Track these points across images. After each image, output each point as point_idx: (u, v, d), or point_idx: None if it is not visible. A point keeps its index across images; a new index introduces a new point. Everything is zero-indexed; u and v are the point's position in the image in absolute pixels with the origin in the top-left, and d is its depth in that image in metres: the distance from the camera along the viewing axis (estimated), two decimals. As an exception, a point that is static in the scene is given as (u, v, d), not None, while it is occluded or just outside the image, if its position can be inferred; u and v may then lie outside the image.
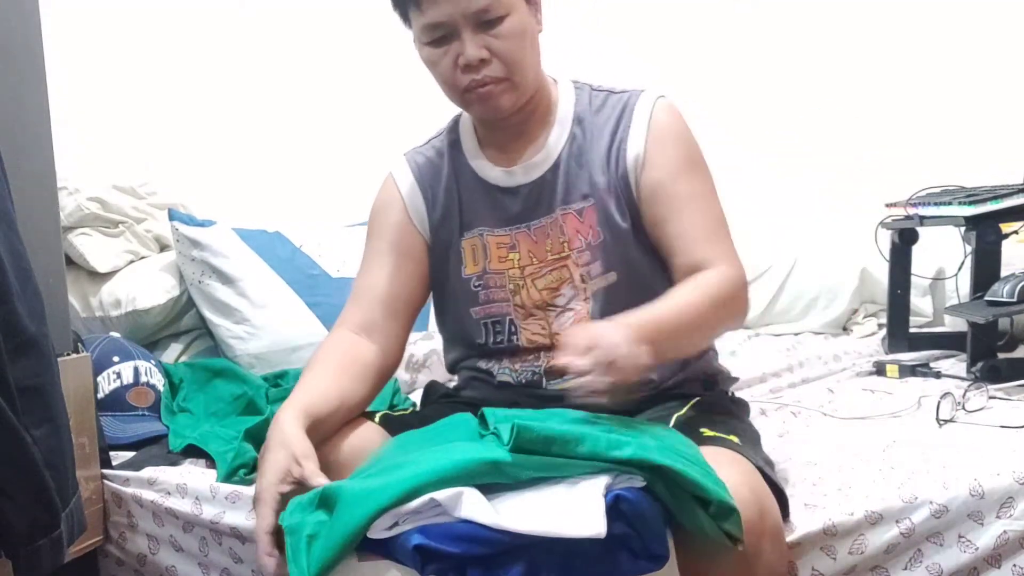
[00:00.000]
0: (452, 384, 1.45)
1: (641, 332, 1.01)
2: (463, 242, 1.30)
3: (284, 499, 1.02)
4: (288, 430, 1.08)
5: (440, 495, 0.88)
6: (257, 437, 1.52)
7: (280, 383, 1.84)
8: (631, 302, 1.18)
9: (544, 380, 1.27)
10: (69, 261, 1.96)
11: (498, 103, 1.21)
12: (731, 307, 1.19)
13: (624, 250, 1.25)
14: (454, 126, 1.35)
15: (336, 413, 1.17)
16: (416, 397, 1.65)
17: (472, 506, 0.87)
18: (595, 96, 1.29)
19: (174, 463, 1.52)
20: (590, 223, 1.25)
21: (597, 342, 0.98)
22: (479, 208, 1.29)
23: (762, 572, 1.00)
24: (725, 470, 1.03)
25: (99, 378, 1.64)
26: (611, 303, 1.23)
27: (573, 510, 0.88)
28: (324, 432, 1.14)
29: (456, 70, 1.18)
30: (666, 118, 1.24)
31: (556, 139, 1.27)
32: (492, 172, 1.29)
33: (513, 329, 1.28)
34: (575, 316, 1.26)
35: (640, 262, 1.26)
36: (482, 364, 1.33)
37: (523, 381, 1.28)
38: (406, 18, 1.21)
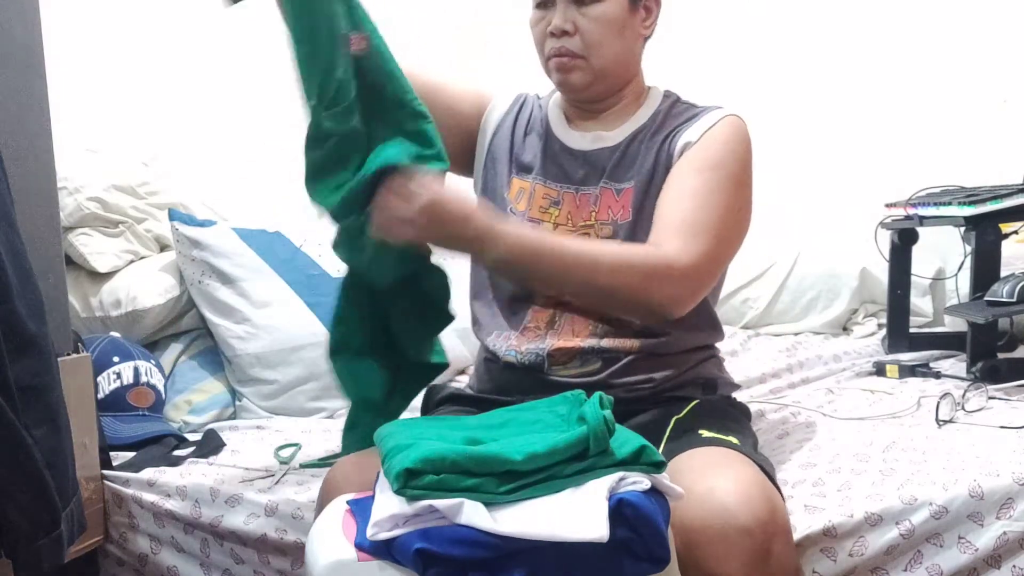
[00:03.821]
0: (454, 384, 1.46)
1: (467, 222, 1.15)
2: (513, 178, 1.36)
3: None
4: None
5: (440, 503, 0.88)
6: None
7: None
8: None
9: (546, 364, 1.28)
10: (69, 261, 1.95)
11: (569, 77, 1.29)
12: (638, 280, 1.17)
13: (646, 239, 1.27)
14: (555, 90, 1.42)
15: None
16: (416, 399, 1.65)
17: (473, 515, 0.87)
18: (679, 105, 1.35)
19: (174, 464, 1.52)
20: (623, 203, 1.29)
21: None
22: (542, 159, 1.35)
23: (774, 571, 1.01)
24: (730, 470, 1.03)
25: (99, 378, 1.64)
26: None
27: (576, 514, 0.88)
28: None
29: (545, 36, 1.28)
30: (722, 127, 1.28)
31: (631, 124, 1.33)
32: (566, 132, 1.36)
33: None
34: None
35: None
36: (490, 342, 1.35)
37: (526, 363, 1.29)
38: None
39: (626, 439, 0.96)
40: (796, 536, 1.12)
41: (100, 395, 1.63)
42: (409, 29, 2.47)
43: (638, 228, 1.27)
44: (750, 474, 1.04)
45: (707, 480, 1.01)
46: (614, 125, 1.33)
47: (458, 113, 1.39)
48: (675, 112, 1.33)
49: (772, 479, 1.10)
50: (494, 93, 1.43)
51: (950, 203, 1.77)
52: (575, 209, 1.31)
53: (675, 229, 1.20)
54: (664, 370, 1.28)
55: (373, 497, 0.96)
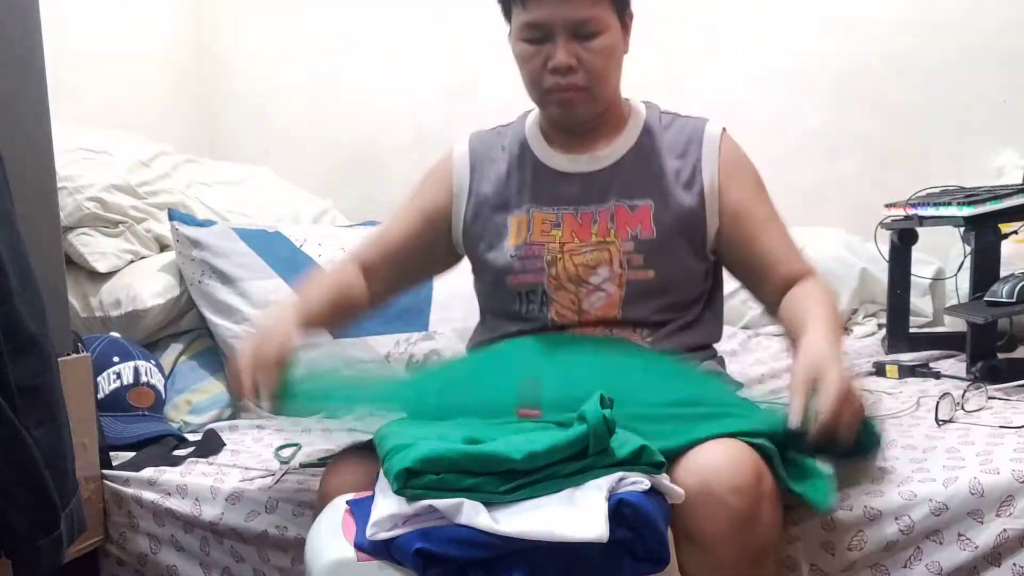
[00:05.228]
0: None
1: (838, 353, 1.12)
2: (510, 218, 1.36)
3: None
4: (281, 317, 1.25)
5: (440, 503, 0.88)
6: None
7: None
8: (661, 302, 1.32)
9: None
10: (69, 261, 1.95)
11: (575, 110, 1.31)
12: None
13: (671, 256, 1.32)
14: (523, 118, 1.43)
15: (325, 313, 1.33)
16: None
17: (473, 515, 0.87)
18: (664, 116, 1.39)
19: (174, 463, 1.52)
20: (641, 220, 1.32)
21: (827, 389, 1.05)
22: (533, 189, 1.37)
23: (760, 534, 1.02)
24: (720, 443, 1.06)
25: (99, 378, 1.64)
26: (642, 297, 1.32)
27: (576, 514, 0.88)
28: (314, 326, 1.30)
29: (544, 71, 1.27)
30: (733, 147, 1.38)
31: (624, 141, 1.36)
32: (555, 159, 1.37)
33: (544, 300, 1.34)
34: (606, 298, 1.32)
35: (682, 269, 1.34)
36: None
37: None
38: (508, 13, 1.30)
39: (626, 439, 0.96)
40: (796, 530, 1.13)
41: (100, 395, 1.62)
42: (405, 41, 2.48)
43: (663, 244, 1.31)
44: (739, 445, 1.06)
45: (698, 453, 1.04)
46: (606, 143, 1.36)
47: (440, 221, 1.41)
48: (665, 123, 1.37)
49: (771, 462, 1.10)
50: (451, 167, 1.42)
51: (950, 203, 1.77)
52: (577, 227, 1.33)
53: (794, 255, 1.37)
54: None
55: (373, 497, 0.96)
